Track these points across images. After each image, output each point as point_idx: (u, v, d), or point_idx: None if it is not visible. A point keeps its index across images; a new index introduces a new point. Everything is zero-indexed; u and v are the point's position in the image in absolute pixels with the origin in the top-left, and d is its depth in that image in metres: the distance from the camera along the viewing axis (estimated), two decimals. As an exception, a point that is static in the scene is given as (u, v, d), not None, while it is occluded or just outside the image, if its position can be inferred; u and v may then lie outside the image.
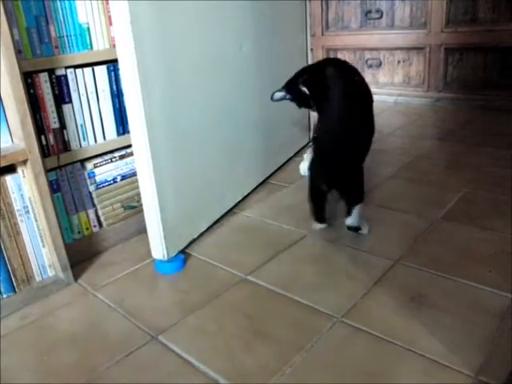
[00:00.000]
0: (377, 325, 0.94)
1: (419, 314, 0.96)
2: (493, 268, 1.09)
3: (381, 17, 2.86)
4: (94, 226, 1.31)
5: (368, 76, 3.05)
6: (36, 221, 1.10)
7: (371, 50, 2.97)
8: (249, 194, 1.61)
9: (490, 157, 1.81)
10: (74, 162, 1.24)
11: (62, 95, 1.19)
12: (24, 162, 1.06)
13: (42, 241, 1.12)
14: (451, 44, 2.61)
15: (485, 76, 2.56)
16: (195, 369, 0.86)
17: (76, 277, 1.18)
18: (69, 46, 1.19)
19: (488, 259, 1.13)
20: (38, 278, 1.13)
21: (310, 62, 2.13)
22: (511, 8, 2.37)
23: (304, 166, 1.33)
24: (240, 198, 1.56)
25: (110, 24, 1.24)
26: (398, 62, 2.90)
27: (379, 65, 2.97)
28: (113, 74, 1.28)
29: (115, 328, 1.00)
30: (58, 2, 1.15)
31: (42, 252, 1.12)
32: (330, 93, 1.18)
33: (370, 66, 3.02)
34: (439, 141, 2.10)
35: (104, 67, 1.26)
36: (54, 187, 1.20)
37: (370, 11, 2.90)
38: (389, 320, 0.95)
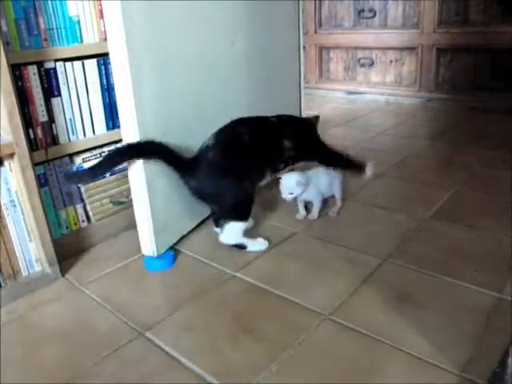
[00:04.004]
0: (364, 323, 0.94)
1: (406, 312, 0.97)
2: (479, 267, 1.10)
3: (374, 16, 2.87)
4: (83, 221, 1.30)
5: (360, 75, 3.06)
6: (23, 215, 1.08)
7: (364, 49, 2.98)
8: (239, 191, 1.61)
9: (480, 157, 1.83)
10: (63, 157, 1.23)
11: (50, 88, 1.17)
12: (11, 156, 1.04)
13: (29, 235, 1.10)
14: (443, 45, 2.63)
15: (476, 77, 2.58)
16: (182, 365, 0.86)
17: (63, 272, 1.17)
18: (58, 39, 1.18)
19: (475, 258, 1.14)
20: (24, 273, 1.12)
21: (302, 60, 2.13)
22: (502, 10, 2.39)
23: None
24: (230, 195, 1.56)
25: (101, 17, 1.23)
26: (391, 61, 2.91)
27: (371, 64, 2.98)
28: (103, 67, 1.27)
29: (102, 324, 0.99)
30: (48, -6, 1.13)
31: (28, 247, 1.11)
32: None
33: (363, 65, 3.02)
34: (429, 140, 2.12)
35: (94, 61, 1.25)
36: (42, 181, 1.19)
37: (363, 10, 2.90)
38: (376, 318, 0.96)
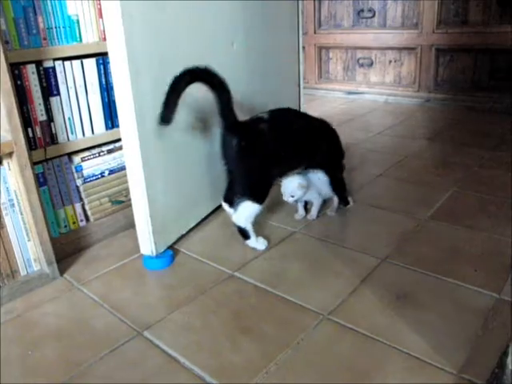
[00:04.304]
0: (363, 322, 0.94)
1: (405, 312, 0.97)
2: (478, 267, 1.11)
3: (373, 16, 2.87)
4: (81, 221, 1.30)
5: (359, 75, 3.06)
6: (21, 214, 1.08)
7: (363, 49, 2.98)
8: (238, 191, 1.61)
9: (478, 157, 1.83)
10: (62, 156, 1.23)
11: (49, 87, 1.17)
12: (10, 155, 1.04)
13: (27, 234, 1.10)
14: (442, 45, 2.63)
15: (475, 77, 2.58)
16: (180, 365, 0.86)
17: (62, 271, 1.17)
18: (57, 38, 1.18)
19: (474, 259, 1.14)
20: (22, 273, 1.11)
21: (301, 60, 2.13)
22: (501, 11, 2.40)
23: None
24: (229, 195, 1.56)
25: (100, 17, 1.23)
26: (390, 61, 2.91)
27: (371, 64, 2.98)
28: (102, 67, 1.27)
29: (100, 323, 0.99)
30: (47, -7, 1.13)
31: (27, 246, 1.11)
32: None
33: (362, 66, 3.02)
34: (428, 141, 2.12)
35: (93, 60, 1.25)
36: (41, 180, 1.18)
37: (362, 10, 2.90)
38: (374, 318, 0.96)
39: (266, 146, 1.19)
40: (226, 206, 1.32)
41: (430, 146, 2.05)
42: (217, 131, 1.43)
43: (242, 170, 1.20)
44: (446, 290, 1.03)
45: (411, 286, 1.05)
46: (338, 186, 1.41)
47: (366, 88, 2.99)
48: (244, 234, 1.24)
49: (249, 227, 1.22)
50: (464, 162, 1.79)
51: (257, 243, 1.24)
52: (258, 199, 1.20)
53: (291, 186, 1.31)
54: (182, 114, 1.26)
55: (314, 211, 1.39)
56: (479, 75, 2.56)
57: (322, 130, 1.36)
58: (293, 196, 1.31)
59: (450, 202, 1.46)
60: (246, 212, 1.20)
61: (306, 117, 1.34)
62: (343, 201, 1.44)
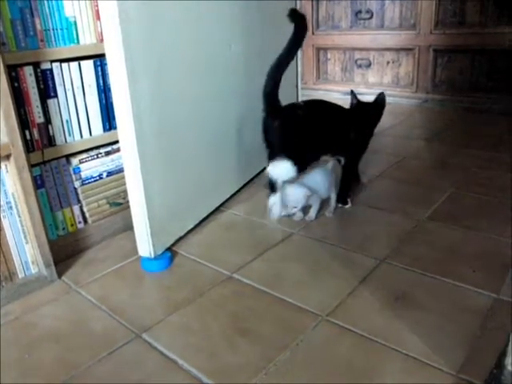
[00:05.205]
0: (361, 324, 0.94)
1: (403, 313, 0.97)
2: (477, 268, 1.11)
3: (371, 17, 2.87)
4: (79, 223, 1.30)
5: (358, 76, 3.07)
6: (19, 217, 1.08)
7: (361, 50, 2.98)
8: (236, 192, 1.61)
9: (476, 158, 1.83)
10: (59, 158, 1.23)
11: (47, 89, 1.17)
12: (7, 157, 1.04)
13: (25, 237, 1.10)
14: (440, 46, 2.63)
15: (472, 78, 2.59)
16: (179, 367, 0.86)
17: (60, 274, 1.17)
18: (55, 40, 1.17)
19: (472, 259, 1.15)
20: (20, 275, 1.11)
21: (299, 61, 2.13)
22: (498, 12, 2.40)
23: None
24: (228, 196, 1.56)
25: (98, 18, 1.23)
26: (388, 62, 2.91)
27: (369, 65, 2.98)
28: (99, 69, 1.26)
29: (99, 326, 0.98)
30: (44, -5, 1.13)
31: (24, 248, 1.10)
32: None
33: (360, 66, 3.03)
34: (426, 141, 2.12)
35: (91, 62, 1.24)
36: (38, 183, 1.18)
37: (360, 11, 2.91)
38: (373, 319, 0.96)
39: (301, 128, 1.28)
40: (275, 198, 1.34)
41: (428, 146, 2.06)
42: (213, 132, 1.43)
43: (283, 143, 1.28)
44: (444, 291, 1.03)
45: (410, 286, 1.05)
46: (349, 178, 1.46)
47: (364, 89, 2.99)
48: (273, 187, 1.30)
49: (279, 182, 1.29)
50: (462, 163, 1.79)
51: (275, 205, 1.30)
52: (296, 162, 1.26)
53: (295, 198, 1.31)
54: (181, 114, 1.26)
55: (312, 212, 1.39)
56: (477, 76, 2.57)
57: (353, 120, 1.41)
58: (296, 207, 1.31)
59: (448, 203, 1.46)
60: (282, 169, 1.27)
61: (338, 107, 1.40)
62: (343, 198, 1.45)
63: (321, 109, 1.37)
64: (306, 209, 1.42)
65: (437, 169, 1.76)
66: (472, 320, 0.93)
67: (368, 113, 1.42)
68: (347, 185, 1.46)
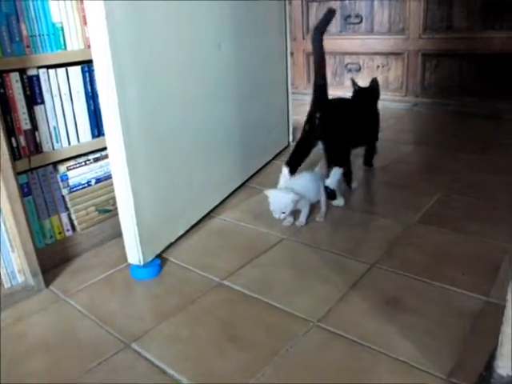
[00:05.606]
0: (352, 329, 0.94)
1: (394, 317, 0.97)
2: (466, 271, 1.11)
3: (360, 22, 2.89)
4: (67, 230, 1.28)
5: (348, 80, 3.08)
6: (5, 225, 1.06)
7: (351, 54, 3.00)
8: (227, 198, 1.60)
9: (465, 161, 1.85)
10: (47, 165, 1.21)
11: (33, 96, 1.16)
12: (-7, 165, 1.02)
13: (11, 246, 1.08)
14: (429, 50, 2.65)
15: (460, 82, 2.61)
16: (169, 376, 0.85)
17: (47, 283, 1.15)
18: (41, 46, 1.16)
19: (462, 262, 1.15)
20: (6, 285, 1.09)
21: (289, 65, 2.13)
22: (484, 17, 2.43)
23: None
24: (218, 202, 1.55)
25: (85, 24, 1.22)
26: (377, 66, 2.93)
27: (359, 69, 3.00)
28: (87, 74, 1.25)
29: (87, 336, 0.97)
30: (30, 1, 1.12)
31: (11, 257, 1.09)
32: None
33: (350, 71, 3.04)
34: (416, 145, 2.14)
35: (78, 68, 1.23)
36: (25, 190, 1.17)
37: (349, 16, 2.93)
38: (364, 324, 0.95)
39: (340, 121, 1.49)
40: (285, 169, 1.49)
41: (418, 150, 2.07)
42: (203, 137, 1.43)
43: (326, 139, 1.46)
44: (434, 294, 1.04)
45: (400, 290, 1.05)
46: (372, 152, 1.77)
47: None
48: (331, 196, 1.46)
49: (337, 189, 1.47)
50: (451, 166, 1.80)
51: (339, 201, 1.48)
52: (340, 164, 1.47)
53: (283, 203, 1.30)
54: (171, 118, 1.26)
55: (302, 217, 1.39)
56: (465, 80, 2.59)
57: (372, 111, 1.70)
58: (284, 212, 1.31)
59: (438, 206, 1.47)
60: (335, 176, 1.45)
61: (351, 99, 1.68)
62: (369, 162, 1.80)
63: (346, 102, 1.63)
64: (296, 214, 1.42)
65: (426, 172, 1.77)
66: (462, 323, 0.94)
67: (372, 92, 1.71)
68: (372, 154, 1.77)
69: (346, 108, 1.58)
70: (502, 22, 2.39)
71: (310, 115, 1.46)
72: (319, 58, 1.45)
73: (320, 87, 1.44)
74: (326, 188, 1.44)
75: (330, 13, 1.47)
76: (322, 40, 1.44)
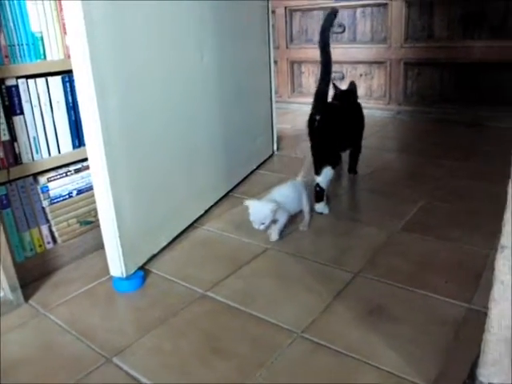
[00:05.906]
0: (336, 339, 0.93)
1: (378, 326, 0.96)
2: (449, 278, 1.12)
3: (343, 31, 2.93)
4: (48, 243, 1.26)
5: (332, 89, 3.11)
6: (-18, 239, 1.04)
7: (334, 63, 3.01)
8: (211, 208, 1.59)
9: (447, 168, 1.87)
10: (26, 176, 1.19)
11: (12, 106, 1.14)
12: (-31, 177, 1.00)
13: (-11, 260, 1.06)
14: (410, 59, 2.70)
15: (441, 90, 2.66)
16: (150, 392, 0.83)
17: (27, 297, 1.13)
18: (20, 56, 1.15)
19: (445, 269, 1.16)
20: (-16, 300, 1.07)
21: (273, 74, 2.14)
22: (464, 26, 2.48)
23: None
24: (202, 213, 1.54)
25: (66, 33, 1.21)
26: (360, 75, 2.97)
27: (342, 78, 3.03)
28: (68, 84, 1.24)
29: (68, 351, 0.95)
30: (9, 10, 1.10)
31: (-12, 272, 1.06)
32: None
33: (333, 79, 3.07)
34: (399, 152, 2.16)
35: (59, 78, 1.22)
36: (4, 202, 1.14)
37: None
38: (348, 334, 0.95)
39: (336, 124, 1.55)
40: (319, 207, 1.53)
41: (401, 157, 2.09)
42: (186, 147, 1.42)
43: (321, 142, 1.50)
44: (418, 302, 1.04)
45: (384, 299, 1.05)
46: (357, 156, 1.84)
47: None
48: (319, 196, 1.48)
49: (325, 190, 1.49)
50: (434, 173, 1.82)
51: (324, 208, 1.50)
52: (334, 164, 1.52)
53: (263, 213, 1.26)
54: (153, 129, 1.25)
55: (275, 230, 1.34)
56: (446, 88, 2.64)
57: (360, 112, 1.81)
58: (264, 223, 1.27)
59: (421, 214, 1.48)
60: (326, 176, 1.48)
61: (338, 104, 1.73)
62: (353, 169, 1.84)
63: (337, 108, 1.70)
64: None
65: (409, 179, 1.79)
66: (445, 331, 0.94)
67: (351, 93, 1.79)
68: (356, 159, 1.84)
69: (339, 111, 1.65)
70: (480, 32, 2.44)
71: (310, 118, 1.50)
72: (325, 63, 1.50)
73: (324, 94, 1.49)
74: (316, 186, 1.47)
75: (332, 13, 1.47)
76: (327, 44, 1.47)
